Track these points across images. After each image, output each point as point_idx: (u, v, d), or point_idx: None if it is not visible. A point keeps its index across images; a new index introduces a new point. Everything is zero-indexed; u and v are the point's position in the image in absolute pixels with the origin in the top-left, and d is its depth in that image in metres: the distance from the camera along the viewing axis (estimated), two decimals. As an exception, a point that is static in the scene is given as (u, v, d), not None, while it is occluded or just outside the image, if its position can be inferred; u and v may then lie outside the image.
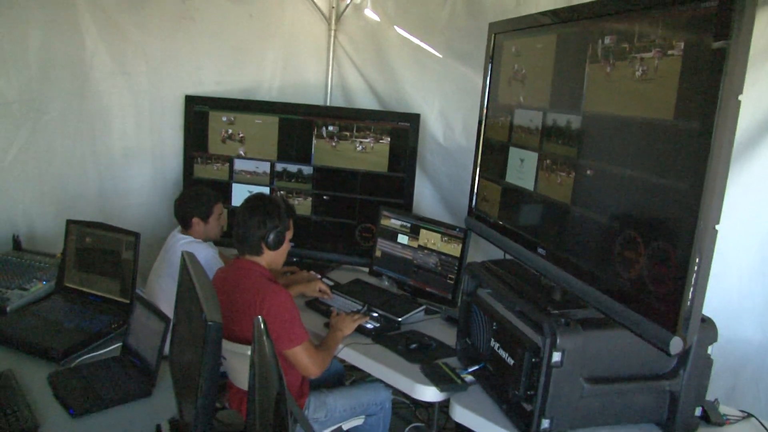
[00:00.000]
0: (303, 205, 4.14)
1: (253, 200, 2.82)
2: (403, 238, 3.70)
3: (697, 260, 1.81)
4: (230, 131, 4.09)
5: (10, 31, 3.34)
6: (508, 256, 2.83)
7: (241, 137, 4.08)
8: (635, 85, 2.06)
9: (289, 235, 2.88)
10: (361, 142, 3.96)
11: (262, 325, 1.76)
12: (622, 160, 2.12)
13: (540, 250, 2.56)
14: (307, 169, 4.08)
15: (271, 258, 2.86)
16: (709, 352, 2.31)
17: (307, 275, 3.70)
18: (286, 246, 2.88)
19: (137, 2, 3.81)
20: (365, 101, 4.47)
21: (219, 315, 1.70)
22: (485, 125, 3.09)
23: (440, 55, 4.00)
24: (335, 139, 4.00)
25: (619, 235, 2.11)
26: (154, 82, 3.99)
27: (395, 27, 4.21)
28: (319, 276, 3.71)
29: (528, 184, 2.68)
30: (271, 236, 2.77)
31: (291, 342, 2.68)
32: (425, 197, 4.24)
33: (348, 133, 3.98)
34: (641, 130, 2.03)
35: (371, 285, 3.74)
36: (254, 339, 1.80)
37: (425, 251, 3.60)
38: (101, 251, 3.14)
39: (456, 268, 3.44)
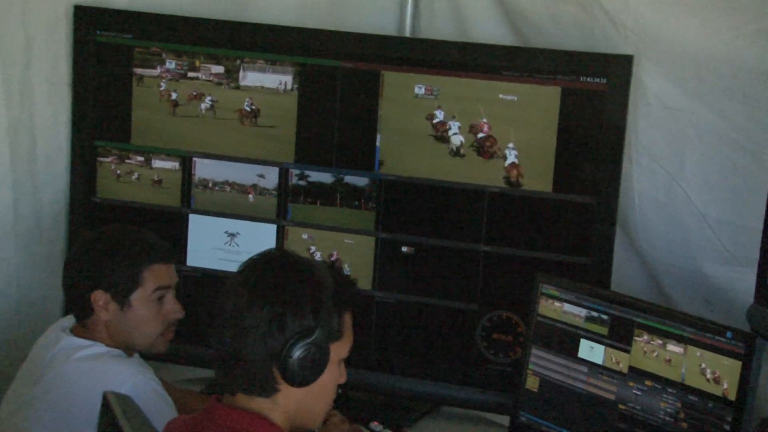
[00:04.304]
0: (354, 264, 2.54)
1: (259, 268, 1.64)
2: (592, 348, 2.37)
3: None
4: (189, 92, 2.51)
5: None
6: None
7: (213, 102, 2.50)
8: None
9: (341, 350, 1.64)
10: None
11: None
12: None
13: None
14: (363, 182, 2.54)
15: (299, 401, 1.65)
16: None
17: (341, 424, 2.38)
18: (335, 374, 1.66)
19: None
20: (495, 30, 2.63)
21: None
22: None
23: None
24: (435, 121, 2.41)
25: None
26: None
27: None
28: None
29: None
30: (297, 353, 1.60)
31: None
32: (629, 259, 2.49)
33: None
34: None
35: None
36: None
37: (646, 381, 2.29)
38: None
39: (728, 426, 2.16)
